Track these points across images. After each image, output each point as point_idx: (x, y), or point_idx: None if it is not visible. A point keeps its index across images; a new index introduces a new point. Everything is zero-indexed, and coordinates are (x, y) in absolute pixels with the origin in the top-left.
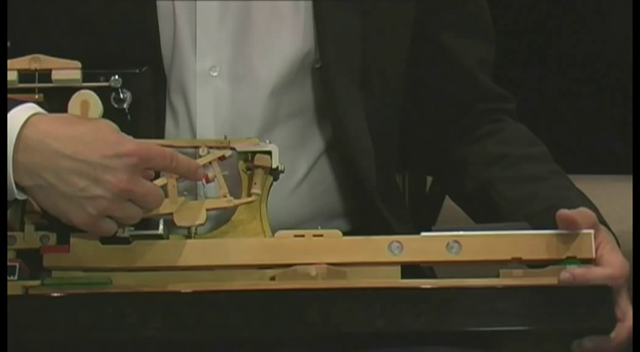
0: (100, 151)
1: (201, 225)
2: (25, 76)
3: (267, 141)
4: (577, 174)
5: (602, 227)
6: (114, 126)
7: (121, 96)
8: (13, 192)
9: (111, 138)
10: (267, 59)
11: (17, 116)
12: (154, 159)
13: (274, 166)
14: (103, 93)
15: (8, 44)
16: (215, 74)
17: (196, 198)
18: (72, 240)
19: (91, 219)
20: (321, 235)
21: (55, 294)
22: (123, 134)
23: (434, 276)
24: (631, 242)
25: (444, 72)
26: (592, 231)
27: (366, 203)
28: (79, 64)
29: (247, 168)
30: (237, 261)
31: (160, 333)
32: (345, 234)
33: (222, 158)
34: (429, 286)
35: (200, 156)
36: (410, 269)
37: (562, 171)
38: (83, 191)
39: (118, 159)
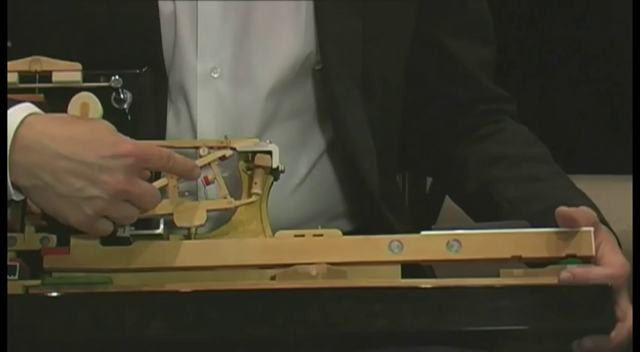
0: (97, 152)
1: (201, 225)
2: (25, 77)
3: (268, 141)
4: (577, 174)
5: (602, 227)
6: (111, 126)
7: (122, 96)
8: (10, 192)
9: (108, 139)
10: (268, 60)
11: (13, 116)
12: (151, 159)
13: (274, 166)
14: (103, 94)
15: (9, 44)
16: (216, 75)
17: (197, 199)
18: (72, 241)
19: (87, 219)
20: (321, 235)
21: (55, 294)
22: (120, 134)
23: (434, 276)
24: (631, 242)
25: (445, 73)
26: (592, 229)
27: (368, 203)
28: (79, 66)
29: (248, 168)
30: (237, 261)
31: (160, 333)
32: (346, 234)
33: (222, 158)
34: (429, 286)
35: (201, 157)
36: (410, 269)
37: (562, 171)
38: (80, 191)
39: (115, 160)
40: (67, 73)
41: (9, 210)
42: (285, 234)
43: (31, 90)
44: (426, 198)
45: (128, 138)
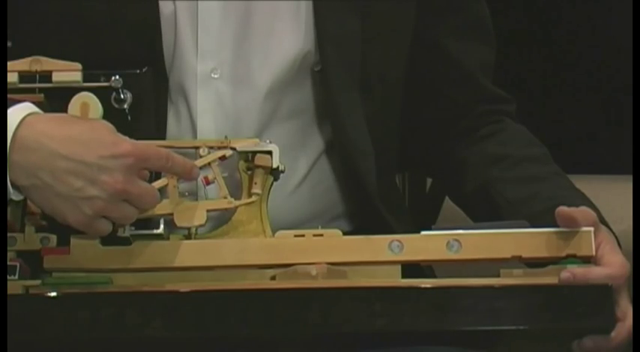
0: (97, 152)
1: (201, 225)
2: (25, 77)
3: (268, 141)
4: (577, 174)
5: (602, 227)
6: (110, 126)
7: (122, 96)
8: (9, 192)
9: (107, 139)
10: (268, 61)
11: (13, 116)
12: (150, 159)
13: (275, 166)
14: (103, 94)
15: (9, 44)
16: (216, 76)
17: (197, 199)
18: (72, 241)
19: (86, 219)
20: (321, 235)
21: (55, 294)
22: (119, 134)
23: (434, 276)
24: (631, 242)
25: (445, 74)
26: (592, 229)
27: (366, 204)
28: (79, 66)
29: (248, 168)
30: (238, 261)
31: (160, 333)
32: (345, 234)
33: (222, 158)
34: (429, 285)
35: (201, 157)
36: (410, 269)
37: (562, 171)
38: (79, 191)
39: (115, 160)
40: (67, 73)
41: (9, 210)
42: (285, 234)
43: (31, 90)
44: (426, 198)
45: (127, 138)
